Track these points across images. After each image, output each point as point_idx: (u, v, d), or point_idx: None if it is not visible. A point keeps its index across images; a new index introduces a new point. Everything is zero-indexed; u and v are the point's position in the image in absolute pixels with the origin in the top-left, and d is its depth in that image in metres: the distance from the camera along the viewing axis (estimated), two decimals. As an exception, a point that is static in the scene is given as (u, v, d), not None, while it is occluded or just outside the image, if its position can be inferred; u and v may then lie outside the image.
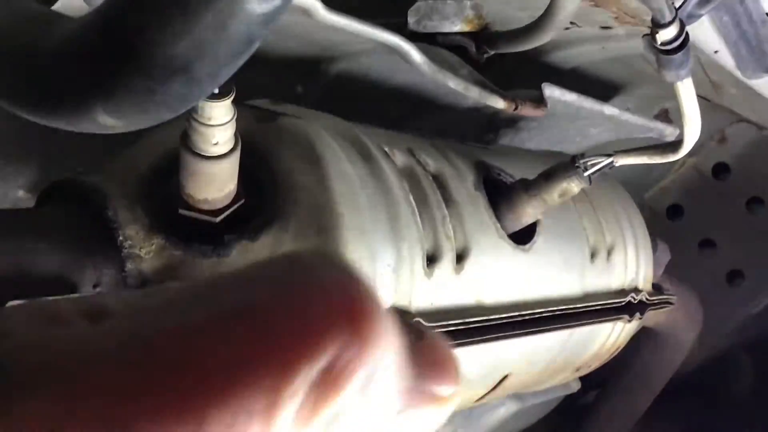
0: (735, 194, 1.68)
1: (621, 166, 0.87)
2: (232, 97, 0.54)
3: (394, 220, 0.71)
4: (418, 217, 0.74)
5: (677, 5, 0.63)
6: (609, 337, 1.06)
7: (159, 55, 0.34)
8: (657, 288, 1.14)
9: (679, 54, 0.60)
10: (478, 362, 0.82)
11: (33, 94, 0.38)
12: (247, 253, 0.63)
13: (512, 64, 1.08)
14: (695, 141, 0.73)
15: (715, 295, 1.65)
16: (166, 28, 0.33)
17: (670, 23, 0.58)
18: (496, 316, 0.78)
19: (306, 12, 0.71)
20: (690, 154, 1.76)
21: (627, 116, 1.13)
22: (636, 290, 1.05)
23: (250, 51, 0.36)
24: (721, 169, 1.70)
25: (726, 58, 0.73)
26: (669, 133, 1.22)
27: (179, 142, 0.57)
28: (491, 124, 1.10)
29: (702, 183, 1.72)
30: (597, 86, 1.29)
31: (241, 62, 0.36)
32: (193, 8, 0.32)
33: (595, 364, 1.13)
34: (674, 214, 1.76)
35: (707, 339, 1.61)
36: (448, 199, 0.79)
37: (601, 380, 1.56)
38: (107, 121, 0.37)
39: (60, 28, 0.37)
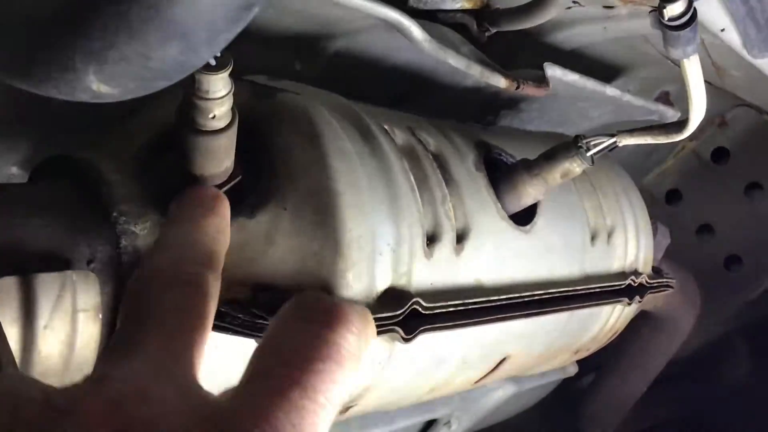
0: (734, 179, 1.67)
1: (621, 149, 0.86)
2: (230, 70, 0.52)
3: (393, 198, 0.69)
4: (418, 196, 0.73)
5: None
6: (608, 320, 1.05)
7: (154, 19, 0.32)
8: (657, 271, 1.14)
9: (687, 30, 0.59)
10: (478, 343, 0.81)
11: (27, 61, 0.37)
12: (244, 231, 0.62)
13: (514, 43, 1.06)
14: (700, 120, 0.72)
15: (712, 280, 1.65)
16: (161, -11, 0.31)
17: (679, -2, 0.57)
18: (496, 297, 0.77)
19: (305, -15, 0.70)
20: (690, 138, 1.75)
21: (628, 98, 1.12)
22: (636, 273, 1.04)
23: (248, 16, 0.34)
24: (720, 154, 1.69)
25: (732, 37, 0.72)
26: (671, 115, 1.21)
27: (175, 116, 0.56)
28: (492, 105, 1.09)
29: (701, 168, 1.72)
30: (598, 68, 1.28)
31: (239, 28, 0.35)
32: (189, -31, 0.31)
33: (594, 347, 1.13)
34: (673, 198, 1.76)
35: (705, 324, 1.61)
36: (448, 178, 0.78)
37: (598, 364, 1.56)
38: (101, 89, 0.35)
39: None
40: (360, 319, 0.44)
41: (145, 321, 0.45)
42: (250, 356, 0.62)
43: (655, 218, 1.22)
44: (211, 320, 0.48)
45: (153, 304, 0.46)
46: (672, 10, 0.58)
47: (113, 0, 0.32)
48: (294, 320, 0.44)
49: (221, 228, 0.54)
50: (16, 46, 0.38)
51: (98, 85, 0.36)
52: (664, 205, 1.76)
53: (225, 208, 0.55)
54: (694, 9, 0.59)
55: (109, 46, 0.33)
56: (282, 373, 0.40)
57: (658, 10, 0.59)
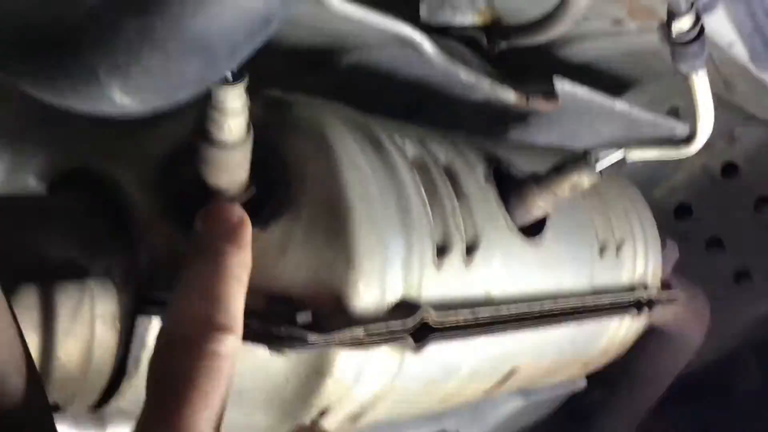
0: (743, 194, 1.68)
1: (630, 163, 0.87)
2: (245, 84, 0.54)
3: (404, 211, 0.71)
4: (428, 208, 0.74)
5: (692, -3, 0.63)
6: (617, 333, 1.06)
7: (177, 32, 0.34)
8: (665, 285, 1.14)
9: (695, 45, 0.60)
10: (487, 354, 0.82)
11: (51, 74, 0.38)
12: (258, 242, 0.63)
13: (524, 58, 1.08)
14: (708, 134, 0.73)
15: (722, 294, 1.64)
16: (184, 4, 0.33)
17: (686, 13, 0.58)
18: (505, 309, 0.78)
19: (319, 2, 0.71)
20: (698, 153, 1.76)
21: (638, 112, 1.13)
22: (644, 286, 1.05)
23: (267, 31, 0.36)
24: (729, 169, 1.69)
25: (740, 51, 0.73)
26: (680, 130, 1.22)
27: (192, 129, 0.57)
28: (502, 118, 1.10)
29: (710, 182, 1.72)
30: (607, 82, 1.29)
31: (258, 42, 0.36)
32: (212, -14, 0.32)
33: (603, 361, 1.13)
34: (682, 213, 1.76)
35: (714, 339, 1.61)
36: (458, 191, 0.79)
37: (607, 378, 1.56)
38: (124, 101, 0.37)
39: (79, 5, 0.37)
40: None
41: (177, 399, 0.49)
42: (262, 364, 0.63)
43: (664, 232, 1.22)
44: (233, 376, 0.52)
45: (183, 380, 0.49)
46: (680, 26, 0.59)
47: (137, 14, 0.34)
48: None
49: (245, 263, 0.56)
50: (41, 59, 0.39)
51: (121, 98, 0.37)
52: (673, 219, 1.76)
53: (248, 236, 0.57)
54: (702, 24, 0.60)
55: (132, 60, 0.35)
56: None
57: (666, 26, 0.60)
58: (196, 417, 0.48)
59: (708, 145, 1.76)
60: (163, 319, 0.54)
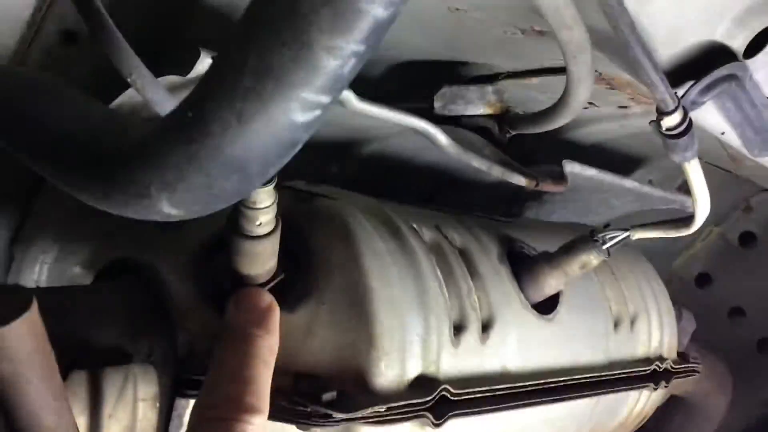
0: (763, 262, 1.69)
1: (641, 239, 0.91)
2: (275, 184, 0.59)
3: (422, 292, 0.75)
4: (445, 289, 0.78)
5: (681, 93, 0.68)
6: (636, 405, 1.07)
7: (218, 157, 0.40)
8: (683, 356, 1.16)
9: (684, 138, 0.65)
10: (505, 430, 0.84)
11: (108, 191, 0.44)
12: (286, 324, 0.68)
13: (534, 141, 1.13)
14: (705, 216, 0.77)
15: (746, 363, 1.65)
16: (225, 135, 0.39)
17: (673, 111, 0.64)
18: (522, 384, 0.81)
19: (340, 102, 0.78)
20: (716, 222, 1.79)
21: (647, 189, 1.17)
22: (661, 358, 1.07)
23: (294, 152, 0.42)
24: (748, 238, 1.72)
25: (733, 139, 0.78)
26: (690, 204, 1.26)
27: (226, 223, 0.63)
28: (516, 198, 1.15)
29: (729, 251, 1.74)
30: (619, 160, 1.34)
31: (286, 161, 0.42)
32: (247, 119, 0.39)
33: (624, 433, 1.14)
34: (703, 282, 1.78)
35: (741, 408, 1.61)
36: (473, 272, 0.84)
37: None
38: (171, 212, 0.43)
39: (133, 134, 0.44)
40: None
41: None
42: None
43: (683, 303, 1.25)
44: None
45: None
46: (669, 122, 0.64)
47: (185, 143, 0.40)
48: None
49: (273, 347, 0.61)
50: (100, 177, 0.46)
51: (168, 209, 0.43)
52: (694, 288, 1.78)
53: (276, 321, 0.62)
54: (690, 120, 0.65)
55: (180, 179, 0.41)
56: None
57: (656, 121, 0.65)
58: None
59: (725, 215, 1.79)
60: (196, 399, 0.59)
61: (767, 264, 1.69)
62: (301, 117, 0.39)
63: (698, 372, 1.14)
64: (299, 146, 0.41)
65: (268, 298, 0.63)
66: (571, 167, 1.01)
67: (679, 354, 1.15)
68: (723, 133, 0.74)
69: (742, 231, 1.72)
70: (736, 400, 1.55)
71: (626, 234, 0.85)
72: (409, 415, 0.69)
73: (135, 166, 0.42)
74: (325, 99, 0.38)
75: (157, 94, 0.55)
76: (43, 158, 0.50)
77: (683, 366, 1.12)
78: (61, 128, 0.49)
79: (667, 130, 0.65)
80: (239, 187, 0.42)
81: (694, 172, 0.70)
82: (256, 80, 0.38)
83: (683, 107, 0.64)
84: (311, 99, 0.38)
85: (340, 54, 0.36)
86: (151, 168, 0.41)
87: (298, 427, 0.64)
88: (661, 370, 1.06)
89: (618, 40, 0.59)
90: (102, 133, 0.46)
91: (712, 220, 1.66)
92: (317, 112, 0.39)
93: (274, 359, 0.60)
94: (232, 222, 0.62)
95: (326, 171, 0.98)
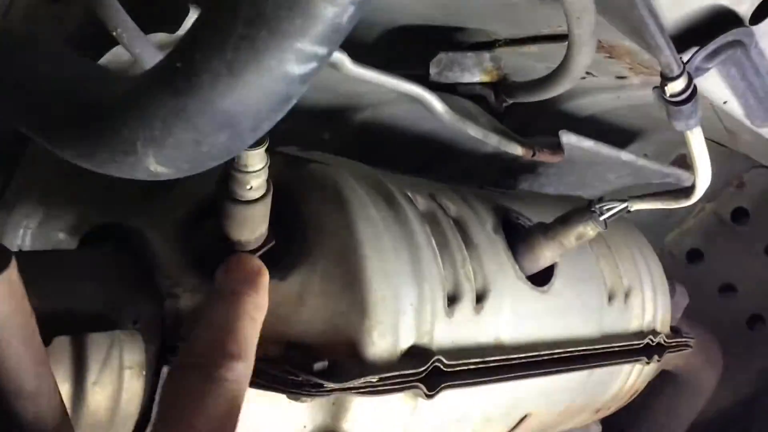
0: (754, 239, 1.69)
1: (639, 211, 0.90)
2: (266, 146, 0.57)
3: (416, 261, 0.74)
4: (439, 259, 0.77)
5: (686, 59, 0.66)
6: (627, 379, 1.07)
7: (207, 110, 0.38)
8: (675, 331, 1.16)
9: (688, 105, 0.63)
10: (499, 401, 0.84)
11: (93, 147, 0.42)
12: (277, 292, 0.66)
13: (530, 111, 1.11)
14: (706, 187, 0.76)
15: (736, 339, 1.65)
16: (215, 87, 0.37)
17: (678, 76, 0.62)
18: (515, 356, 0.81)
19: (334, 65, 0.76)
20: (709, 199, 1.78)
21: (643, 162, 1.16)
22: (654, 332, 1.07)
23: (288, 107, 0.40)
24: (740, 214, 1.71)
25: (735, 108, 0.76)
26: (686, 178, 1.25)
27: (215, 187, 0.61)
28: (511, 169, 1.14)
29: (721, 228, 1.74)
30: (614, 133, 1.32)
31: (280, 117, 0.40)
32: (239, 70, 0.36)
33: (615, 406, 1.14)
34: (694, 258, 1.78)
35: (729, 384, 1.61)
36: (468, 242, 0.82)
37: (622, 424, 1.56)
38: (158, 169, 0.41)
39: (117, 87, 0.41)
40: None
41: (182, 419, 0.52)
42: (280, 411, 0.66)
43: (674, 279, 1.24)
44: (242, 404, 0.55)
45: (192, 407, 0.52)
46: (673, 87, 0.63)
47: (173, 95, 0.38)
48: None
49: (260, 305, 0.59)
50: (84, 132, 0.43)
51: (155, 167, 0.41)
52: (685, 264, 1.78)
53: (266, 282, 0.61)
54: (694, 86, 0.64)
55: (167, 135, 0.39)
56: None
57: (660, 87, 0.63)
58: None
59: (718, 191, 1.78)
60: (179, 350, 0.58)
61: (759, 240, 1.69)
62: (297, 69, 0.37)
63: (690, 347, 1.14)
64: (293, 101, 0.39)
65: (257, 262, 0.62)
66: (568, 138, 1.00)
67: (671, 328, 1.15)
68: (725, 102, 0.73)
69: (735, 207, 1.72)
70: (725, 375, 1.55)
71: (624, 205, 0.84)
72: (402, 385, 0.68)
73: (120, 120, 0.40)
74: (321, 50, 0.36)
75: (144, 49, 0.52)
76: (26, 114, 0.48)
77: (676, 340, 1.11)
78: (43, 83, 0.47)
79: (671, 96, 0.63)
80: (230, 144, 0.40)
81: (697, 141, 0.69)
82: (248, 29, 0.35)
83: (688, 73, 0.62)
84: (307, 49, 0.36)
85: (338, 1, 0.34)
86: (137, 122, 0.39)
87: (289, 397, 0.63)
88: (654, 344, 1.05)
89: (623, 1, 0.57)
90: (86, 87, 0.44)
91: (704, 197, 1.66)
92: (313, 65, 0.37)
93: (262, 318, 0.59)
94: (222, 186, 0.61)
95: (318, 138, 0.95)
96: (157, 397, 0.60)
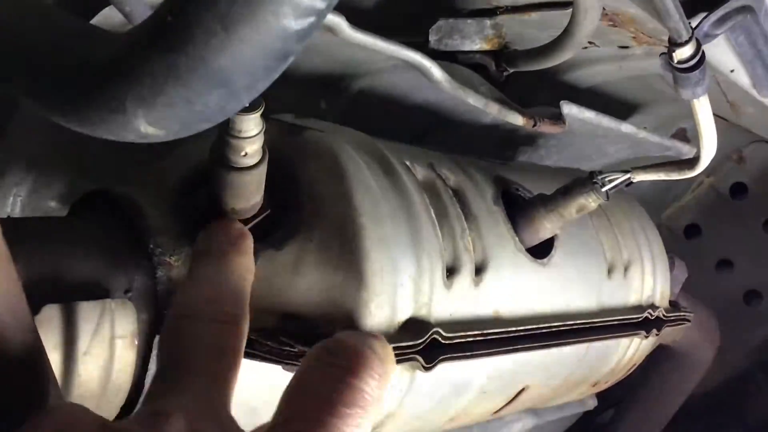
0: (753, 214, 1.68)
1: (638, 184, 0.89)
2: (261, 111, 0.56)
3: (414, 232, 0.72)
4: (438, 229, 0.75)
5: (694, 25, 0.64)
6: (626, 352, 1.06)
7: (200, 67, 0.36)
8: (674, 305, 1.15)
9: (696, 72, 0.61)
10: (496, 374, 0.83)
11: (80, 106, 0.40)
12: (272, 262, 0.65)
13: (531, 82, 1.10)
14: (711, 157, 0.75)
15: (732, 315, 1.65)
16: (207, 42, 0.35)
17: (687, 42, 0.60)
18: (514, 328, 0.80)
19: (331, 30, 0.74)
20: (707, 173, 1.77)
21: (644, 134, 1.14)
22: (653, 306, 1.06)
23: (284, 65, 0.38)
24: (738, 189, 1.70)
25: (742, 77, 0.74)
26: (686, 152, 1.24)
27: (209, 154, 0.59)
28: (510, 141, 1.12)
29: (720, 203, 1.73)
30: (615, 105, 1.31)
31: (276, 75, 0.38)
32: (233, 24, 0.35)
33: (612, 380, 1.14)
34: (692, 233, 1.77)
35: (725, 359, 1.61)
36: (467, 212, 0.81)
37: (618, 398, 1.56)
38: (148, 131, 0.39)
39: (105, 43, 0.40)
40: (381, 363, 0.47)
41: (189, 360, 0.49)
42: (275, 382, 0.65)
43: (672, 253, 1.23)
44: (241, 358, 0.52)
45: (195, 344, 0.50)
46: (681, 54, 0.61)
47: (164, 51, 0.36)
48: (319, 365, 0.47)
49: (247, 266, 0.57)
50: (71, 91, 0.42)
51: (146, 127, 0.39)
52: (683, 239, 1.77)
53: (249, 245, 0.59)
54: (703, 52, 0.62)
55: (158, 93, 0.37)
56: (309, 416, 0.42)
57: (667, 53, 0.62)
58: (202, 386, 0.48)
59: (717, 166, 1.77)
60: (173, 304, 0.56)
61: (757, 215, 1.68)
62: (294, 24, 0.35)
63: (689, 321, 1.13)
64: (290, 59, 0.37)
65: (239, 225, 0.60)
66: (569, 108, 0.98)
67: (670, 302, 1.14)
68: (732, 71, 0.71)
69: (734, 182, 1.71)
70: (722, 350, 1.55)
71: (627, 176, 0.82)
72: (400, 357, 0.67)
73: (108, 77, 0.38)
74: (320, 3, 0.35)
75: (136, 6, 0.50)
76: (10, 72, 0.46)
77: (674, 315, 1.10)
78: (28, 39, 0.45)
79: (679, 62, 0.61)
80: (224, 104, 0.38)
81: (703, 110, 0.67)
82: (243, -20, 0.33)
83: (696, 39, 0.60)
84: (305, 3, 0.34)
85: (338, -49, 0.32)
86: (126, 79, 0.37)
87: (285, 368, 0.62)
88: (653, 318, 1.04)
89: (632, -37, 0.55)
90: (73, 43, 0.42)
91: (703, 171, 1.66)
92: (311, 19, 0.35)
93: (251, 280, 0.57)
94: (216, 152, 0.59)
95: (314, 107, 0.93)
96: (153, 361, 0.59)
